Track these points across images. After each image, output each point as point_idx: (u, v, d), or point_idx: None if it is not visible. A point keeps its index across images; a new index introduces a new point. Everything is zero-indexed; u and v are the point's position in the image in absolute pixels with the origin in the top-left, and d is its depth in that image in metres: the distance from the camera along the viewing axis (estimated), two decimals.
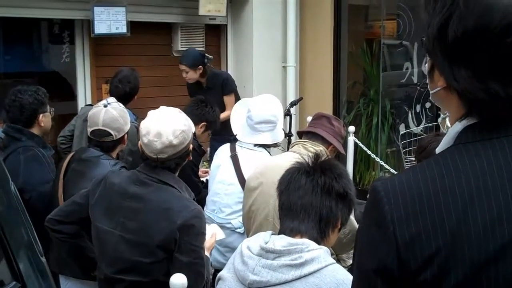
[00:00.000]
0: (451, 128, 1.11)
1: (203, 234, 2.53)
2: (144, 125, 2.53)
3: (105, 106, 3.20)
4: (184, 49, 6.15)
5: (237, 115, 3.76)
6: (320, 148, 3.02)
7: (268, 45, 6.59)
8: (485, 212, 0.98)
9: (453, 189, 1.00)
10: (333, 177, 1.96)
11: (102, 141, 3.18)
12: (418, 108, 7.51)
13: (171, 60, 6.16)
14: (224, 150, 3.64)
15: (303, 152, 2.89)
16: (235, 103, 4.58)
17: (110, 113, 3.16)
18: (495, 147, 1.02)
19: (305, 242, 1.84)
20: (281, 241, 1.85)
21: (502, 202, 0.98)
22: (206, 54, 5.48)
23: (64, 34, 5.61)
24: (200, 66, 5.35)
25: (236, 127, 3.68)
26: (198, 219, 2.49)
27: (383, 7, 7.45)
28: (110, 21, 5.34)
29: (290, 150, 3.19)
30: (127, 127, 3.28)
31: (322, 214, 1.92)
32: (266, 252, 1.83)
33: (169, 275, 2.31)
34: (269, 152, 3.57)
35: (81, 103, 5.64)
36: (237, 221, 3.44)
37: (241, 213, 3.34)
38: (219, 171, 3.58)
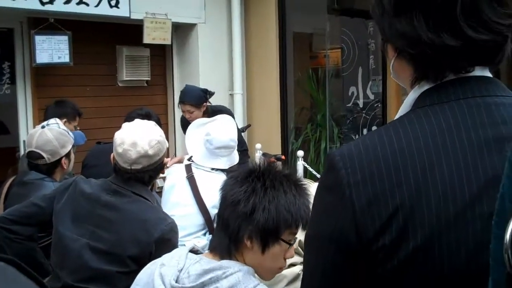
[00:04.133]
0: (408, 96, 1.10)
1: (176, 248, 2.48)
2: (119, 136, 2.48)
3: (43, 127, 3.04)
4: (129, 79, 6.08)
5: (192, 137, 3.68)
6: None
7: (214, 73, 6.56)
8: (444, 175, 0.95)
9: (411, 151, 0.98)
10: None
11: (36, 163, 3.01)
12: (365, 132, 7.63)
13: (117, 90, 6.06)
14: (178, 171, 3.55)
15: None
16: None
17: (45, 134, 2.99)
18: (454, 109, 1.01)
19: (222, 266, 1.60)
20: (196, 267, 1.61)
21: (462, 164, 0.95)
22: (207, 89, 4.95)
23: (4, 65, 5.44)
24: (204, 104, 4.80)
25: (192, 149, 3.62)
26: (174, 233, 2.46)
27: (328, 35, 7.61)
28: (52, 50, 5.21)
29: None
30: (65, 150, 3.07)
31: (228, 229, 1.67)
32: None
33: None
34: (225, 174, 3.53)
35: (23, 136, 5.44)
36: (191, 243, 3.34)
37: (195, 235, 3.30)
38: (173, 192, 3.48)
